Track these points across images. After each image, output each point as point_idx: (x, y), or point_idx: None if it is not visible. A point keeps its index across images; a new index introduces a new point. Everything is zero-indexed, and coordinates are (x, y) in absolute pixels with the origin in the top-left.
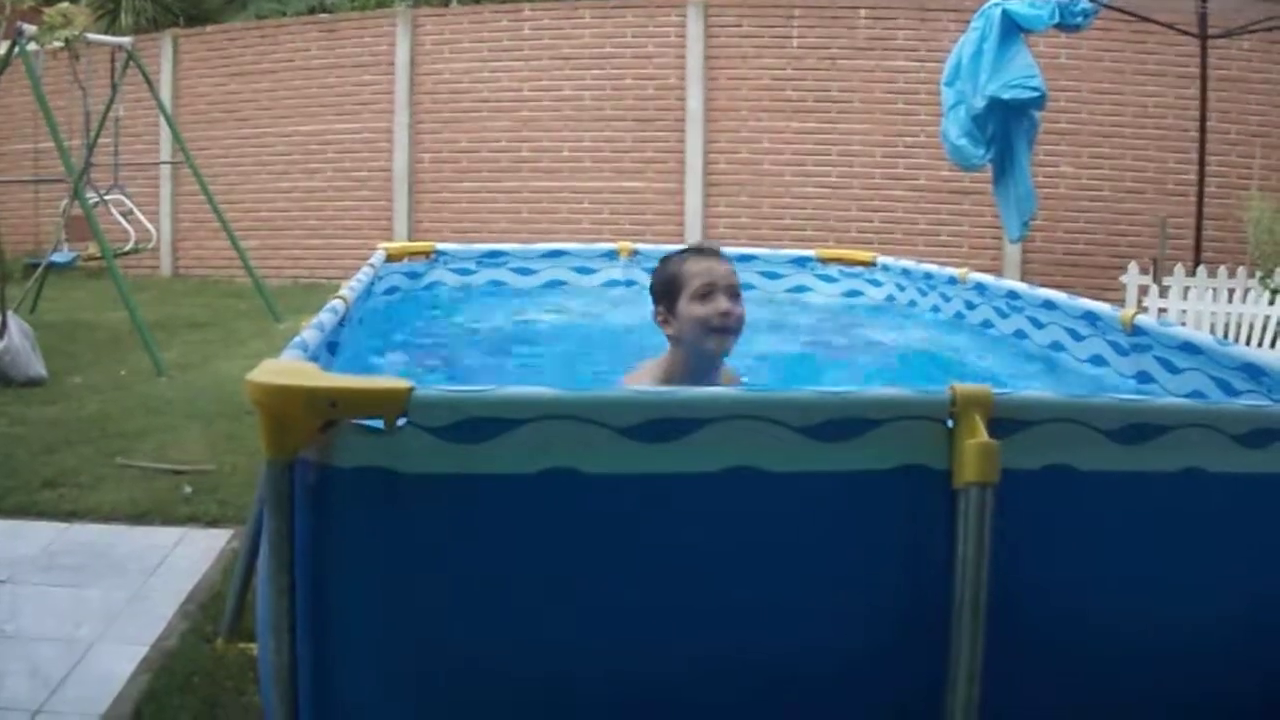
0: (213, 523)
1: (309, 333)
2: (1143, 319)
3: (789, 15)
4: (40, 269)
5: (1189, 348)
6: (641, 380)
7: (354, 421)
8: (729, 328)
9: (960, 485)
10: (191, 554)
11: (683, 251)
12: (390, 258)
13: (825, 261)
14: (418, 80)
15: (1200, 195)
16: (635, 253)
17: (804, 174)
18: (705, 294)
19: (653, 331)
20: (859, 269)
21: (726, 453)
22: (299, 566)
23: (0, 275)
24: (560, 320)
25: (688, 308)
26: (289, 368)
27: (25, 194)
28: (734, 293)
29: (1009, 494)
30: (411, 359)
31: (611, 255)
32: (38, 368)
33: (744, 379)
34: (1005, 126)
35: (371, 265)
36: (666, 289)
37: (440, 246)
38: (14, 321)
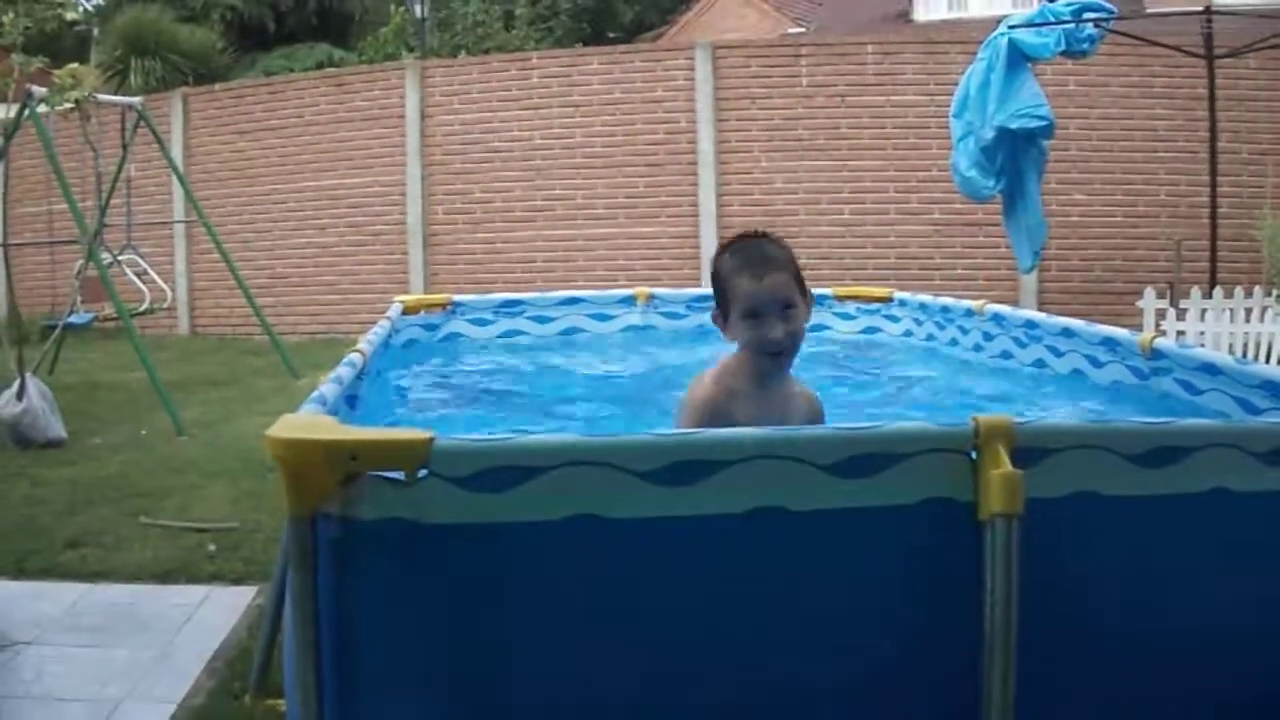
0: (237, 580)
1: (327, 387)
2: (1161, 342)
3: (796, 54)
4: (57, 331)
5: (1209, 368)
6: (708, 385)
7: (375, 474)
8: (778, 351)
9: (986, 517)
10: (217, 611)
11: (733, 249)
12: (407, 310)
13: (842, 299)
14: (428, 132)
15: (1213, 216)
16: (652, 297)
17: (817, 213)
18: (753, 315)
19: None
20: (876, 305)
21: (750, 493)
22: (324, 620)
23: (18, 337)
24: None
25: (738, 325)
26: (308, 422)
27: (40, 256)
28: (786, 307)
29: (1035, 523)
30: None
31: (629, 301)
32: (57, 429)
33: (809, 389)
34: (1014, 156)
35: (388, 318)
36: (719, 294)
37: (456, 298)
38: (32, 384)
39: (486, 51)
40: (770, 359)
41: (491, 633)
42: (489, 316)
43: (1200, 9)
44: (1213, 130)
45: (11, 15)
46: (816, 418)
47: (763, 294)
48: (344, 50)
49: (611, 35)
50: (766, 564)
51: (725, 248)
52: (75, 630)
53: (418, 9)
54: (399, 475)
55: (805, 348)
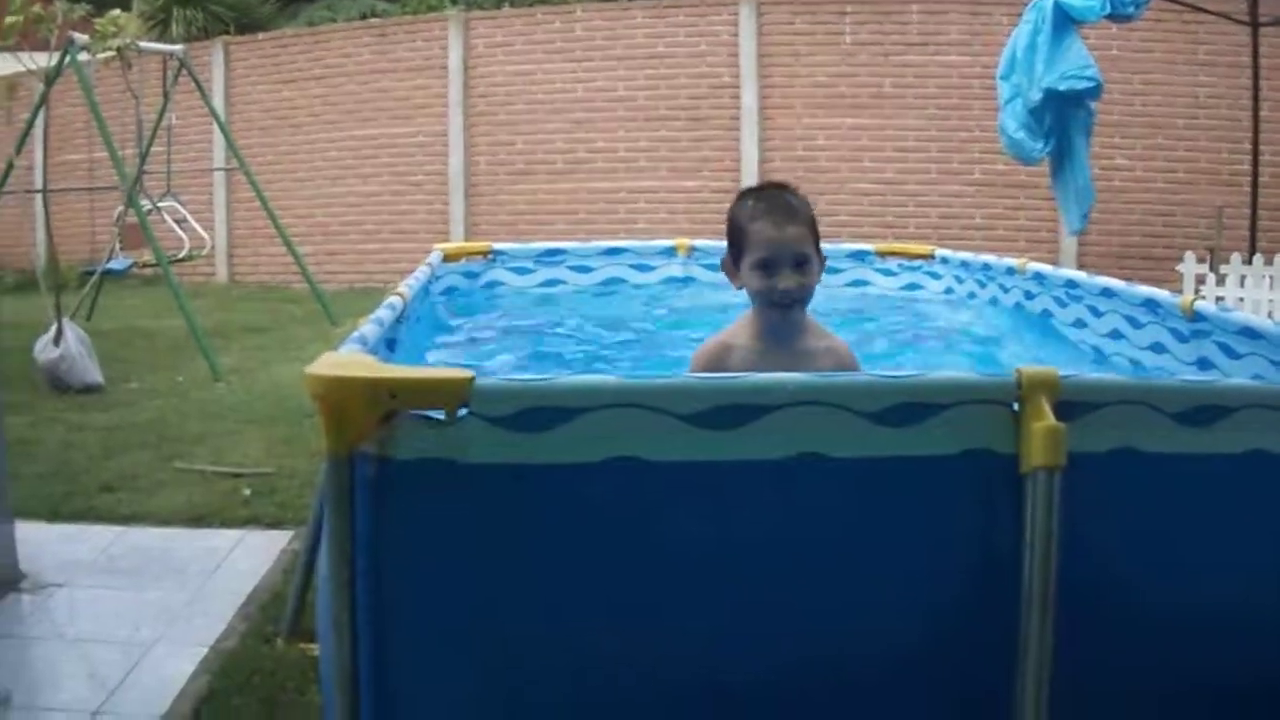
0: (272, 525)
1: (368, 327)
2: (1202, 305)
3: (841, 11)
4: (95, 277)
5: (1249, 332)
6: (711, 342)
7: (414, 413)
8: (789, 303)
9: (1027, 470)
10: (250, 556)
11: (755, 196)
12: (448, 258)
13: (884, 255)
14: (471, 83)
15: (1255, 184)
16: (693, 249)
17: (859, 170)
18: (765, 265)
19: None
20: (918, 262)
21: (792, 439)
22: (360, 561)
23: (56, 283)
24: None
25: (749, 274)
26: (348, 360)
27: (80, 203)
28: (799, 260)
29: (1076, 477)
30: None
31: (670, 252)
32: (94, 375)
33: (840, 343)
34: (1062, 118)
35: (429, 265)
36: (733, 240)
37: (497, 246)
38: (70, 329)
39: (530, 4)
40: (779, 311)
41: (528, 575)
42: (530, 265)
43: None
44: (1255, 98)
45: None
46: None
47: (779, 244)
48: (387, 1)
49: None
50: (806, 510)
51: (745, 194)
52: (108, 573)
53: None
54: (438, 415)
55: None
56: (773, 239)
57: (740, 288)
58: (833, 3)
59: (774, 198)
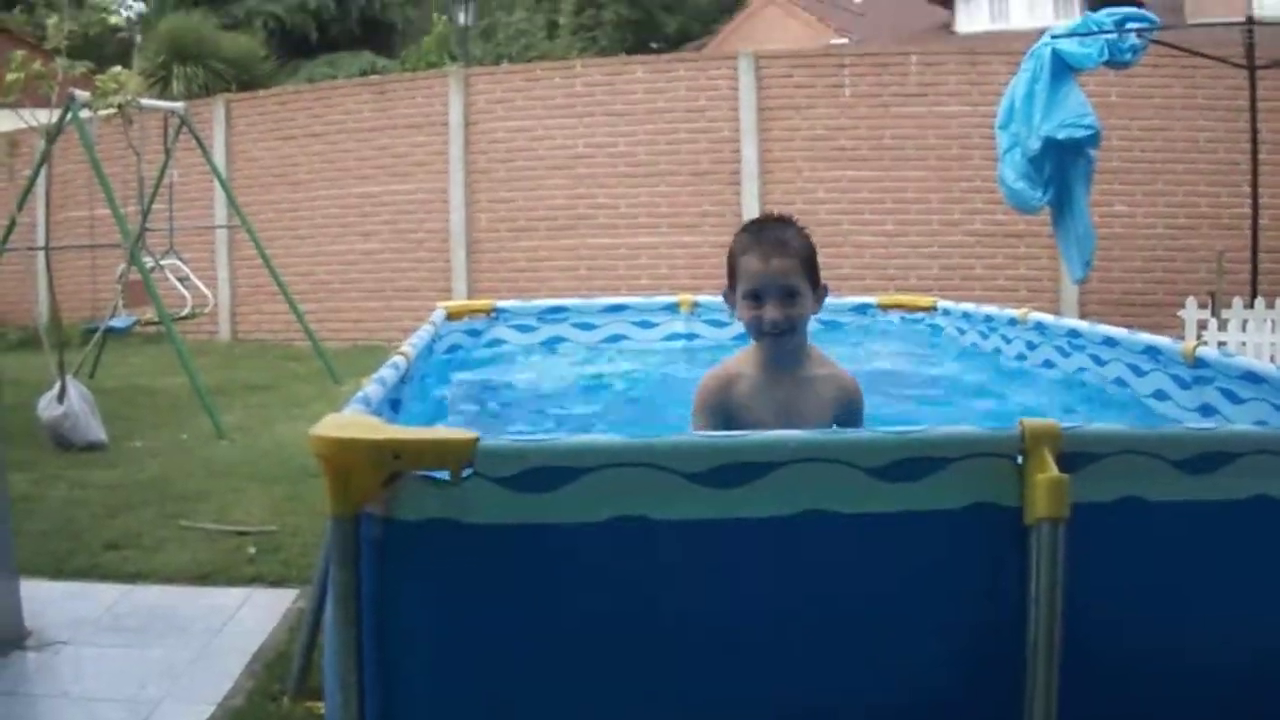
0: (277, 583)
1: (371, 388)
2: (1204, 351)
3: (840, 64)
4: (98, 334)
5: (1252, 377)
6: (715, 371)
7: (419, 474)
8: (774, 333)
9: (1031, 521)
10: (257, 614)
11: (751, 229)
12: (450, 316)
13: (886, 308)
14: (472, 140)
15: (1255, 227)
16: (696, 305)
17: (861, 223)
18: (753, 296)
19: None
20: (920, 314)
21: (797, 496)
22: (365, 621)
23: (59, 341)
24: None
25: (740, 304)
26: (352, 421)
27: (82, 260)
28: (786, 293)
29: (1080, 528)
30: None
31: (673, 308)
32: (98, 432)
33: (844, 373)
34: (1061, 166)
35: (432, 323)
36: (730, 271)
37: (500, 304)
38: (73, 387)
39: (530, 61)
40: (768, 340)
41: (534, 635)
42: (532, 323)
43: (1242, 20)
44: (1254, 141)
45: (56, 19)
46: (846, 403)
47: (765, 276)
48: (387, 59)
49: (654, 45)
50: (812, 567)
51: (745, 226)
52: (114, 630)
53: (461, 17)
54: (443, 475)
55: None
56: (759, 271)
57: (737, 318)
58: (831, 55)
59: (767, 231)
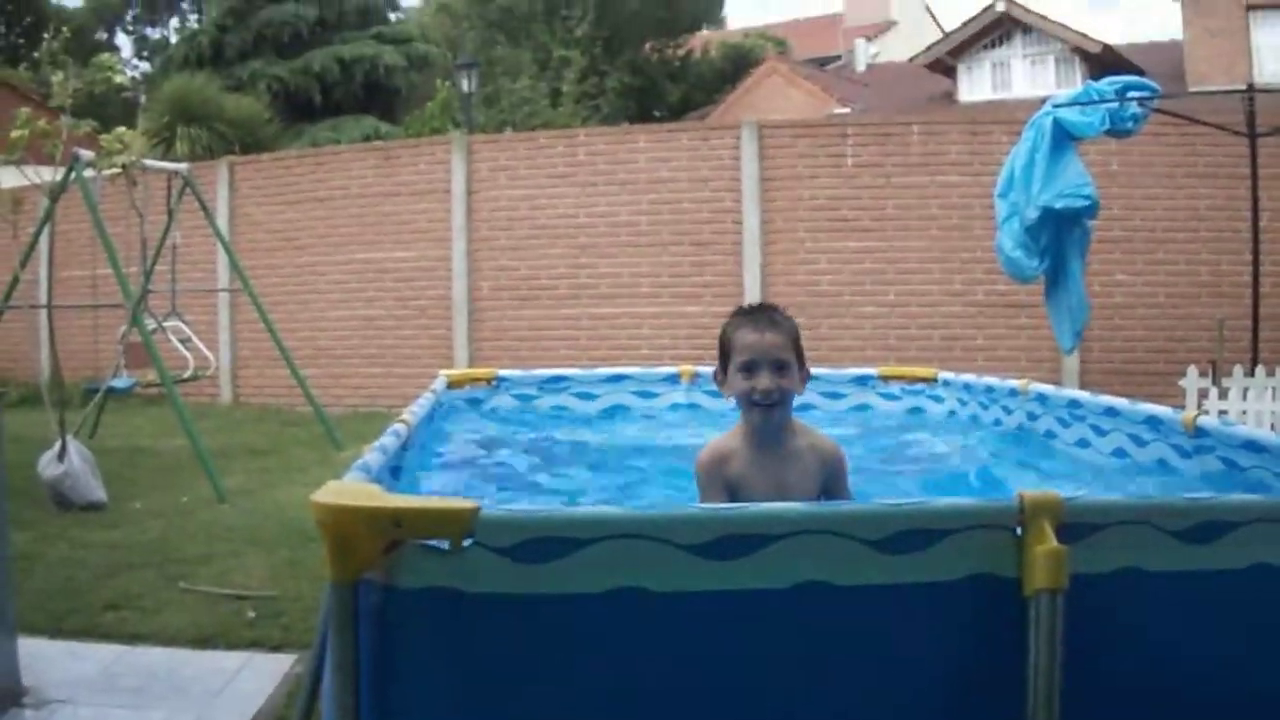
0: (277, 647)
1: (372, 455)
2: (1205, 420)
3: (842, 134)
4: (99, 395)
5: (1253, 446)
6: (709, 446)
7: (419, 542)
8: (768, 403)
9: (1030, 593)
10: (256, 678)
11: (742, 312)
12: (452, 384)
13: (887, 379)
14: (474, 207)
15: (1255, 295)
16: (697, 375)
17: (862, 293)
18: (748, 368)
19: None
20: (920, 385)
21: (796, 568)
22: (364, 688)
23: (60, 400)
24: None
25: (733, 378)
26: (353, 489)
27: (83, 320)
28: (778, 366)
29: (1079, 599)
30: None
31: (673, 379)
32: (98, 493)
33: (828, 442)
34: (1058, 236)
35: (433, 391)
36: (721, 352)
37: (501, 373)
38: (74, 446)
39: (533, 128)
40: (759, 411)
41: (533, 705)
42: (533, 392)
43: (1243, 87)
44: (1255, 209)
45: (61, 76)
46: (832, 471)
47: (759, 347)
48: (390, 124)
49: (658, 114)
50: (811, 639)
51: (735, 312)
52: (111, 691)
53: (464, 84)
54: (443, 544)
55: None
56: (754, 343)
57: (729, 395)
58: (834, 125)
59: (757, 311)
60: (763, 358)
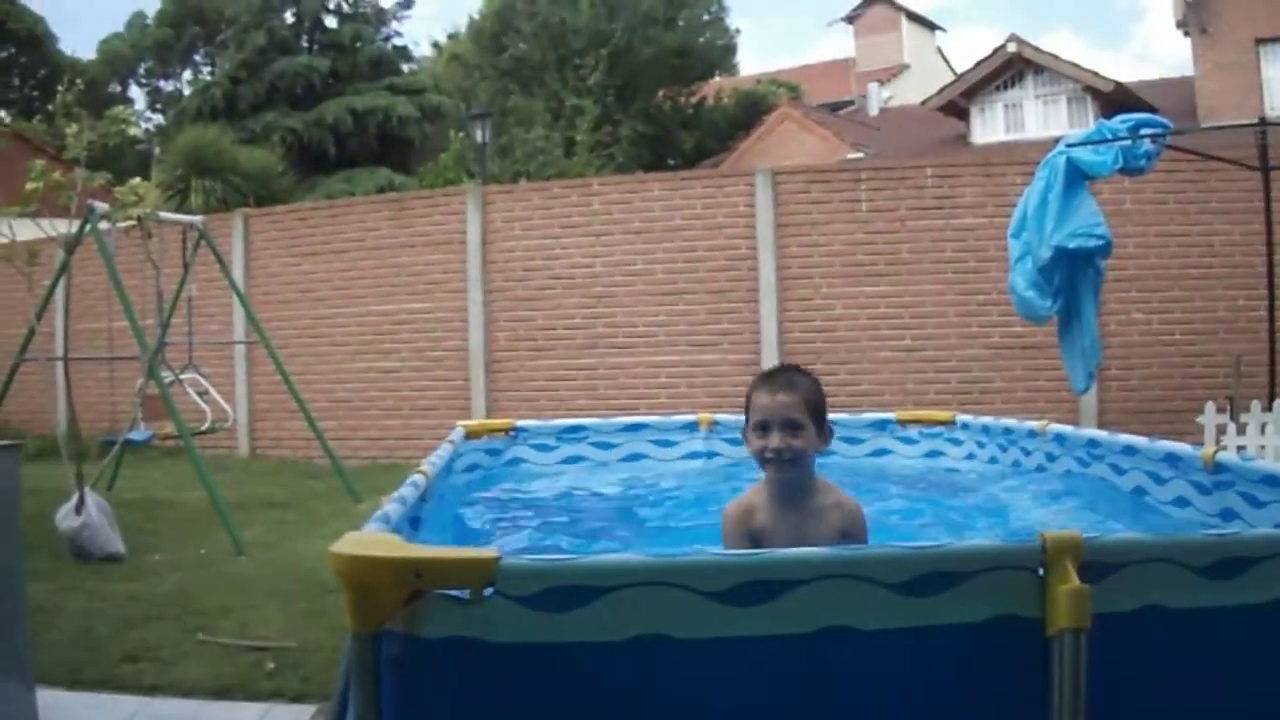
0: (296, 699)
1: (391, 506)
2: (1224, 456)
3: (856, 179)
4: (116, 447)
5: (1272, 481)
6: (741, 503)
7: (440, 592)
8: (779, 460)
9: (1054, 632)
10: None
11: (761, 374)
12: (469, 435)
13: (904, 424)
14: (490, 258)
15: (1272, 330)
16: (715, 423)
17: (878, 338)
18: (761, 427)
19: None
20: (939, 429)
21: (818, 613)
22: None
23: (77, 452)
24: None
25: (750, 437)
26: (373, 539)
27: (100, 372)
28: (790, 425)
29: (1102, 638)
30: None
31: (692, 427)
32: (116, 544)
33: (850, 500)
34: (1072, 276)
35: (451, 442)
36: (745, 412)
37: (519, 423)
38: (91, 498)
39: (548, 178)
40: (773, 468)
41: None
42: (552, 442)
43: (1254, 121)
44: (1269, 243)
45: (75, 128)
46: (852, 528)
47: (770, 408)
48: (404, 175)
49: (672, 162)
50: (834, 684)
51: (757, 375)
52: None
53: (478, 135)
54: (463, 594)
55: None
56: (765, 404)
57: (750, 452)
58: (848, 170)
59: (776, 373)
60: (774, 418)
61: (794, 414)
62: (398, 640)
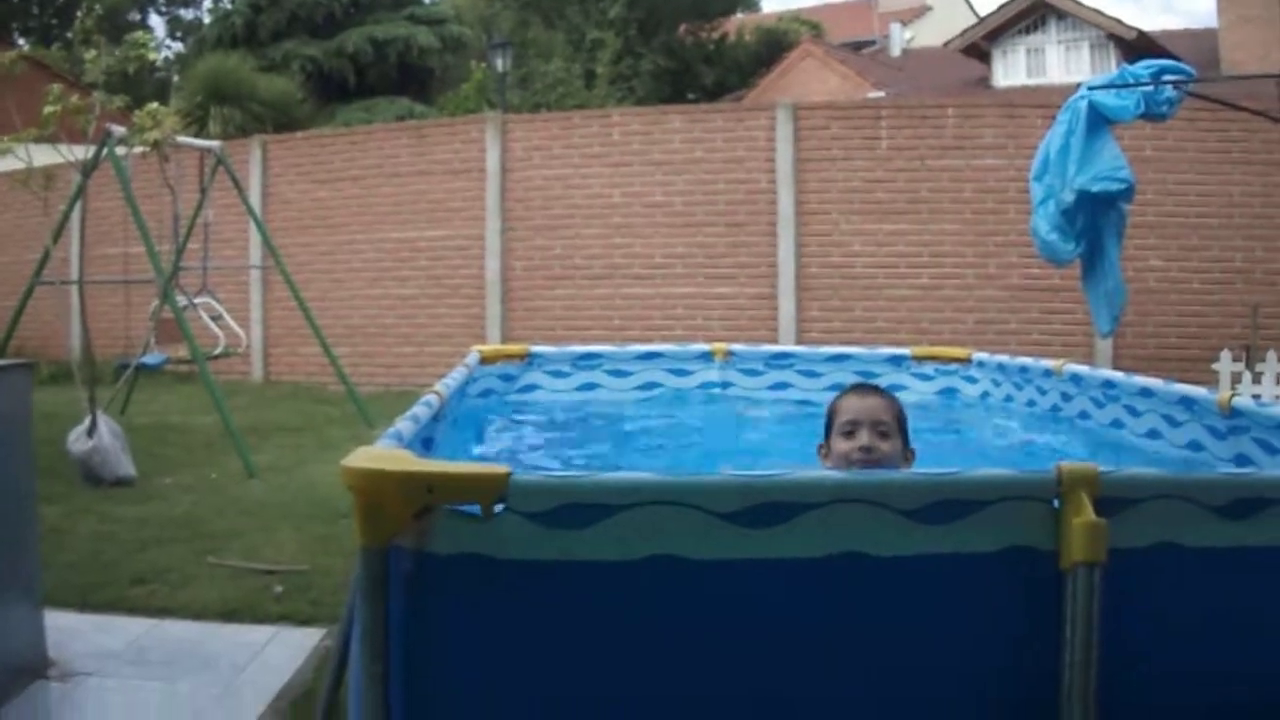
0: (305, 622)
1: (404, 424)
2: (1240, 401)
3: (877, 117)
4: (130, 371)
5: None
6: None
7: (451, 508)
8: (867, 463)
9: (1067, 566)
10: (283, 652)
11: (848, 387)
12: (484, 360)
13: (920, 359)
14: (508, 187)
15: None
16: (730, 354)
17: (896, 276)
18: (849, 431)
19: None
20: (954, 366)
21: (831, 537)
22: (393, 655)
23: (90, 376)
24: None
25: (835, 443)
26: (385, 454)
27: (115, 297)
28: (880, 430)
29: (1116, 573)
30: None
31: (707, 357)
32: (127, 468)
33: None
34: (1094, 220)
35: (466, 365)
36: (826, 424)
37: (534, 349)
38: (104, 422)
39: (568, 108)
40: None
41: (565, 672)
42: (566, 369)
43: (1277, 73)
44: None
45: (94, 53)
46: None
47: (860, 409)
48: (424, 105)
49: (692, 97)
50: (845, 609)
51: (840, 390)
52: (138, 664)
53: (499, 64)
54: (475, 510)
55: None
56: (855, 406)
57: (831, 465)
58: (869, 108)
59: (864, 383)
60: (864, 418)
61: (883, 417)
62: (407, 556)
